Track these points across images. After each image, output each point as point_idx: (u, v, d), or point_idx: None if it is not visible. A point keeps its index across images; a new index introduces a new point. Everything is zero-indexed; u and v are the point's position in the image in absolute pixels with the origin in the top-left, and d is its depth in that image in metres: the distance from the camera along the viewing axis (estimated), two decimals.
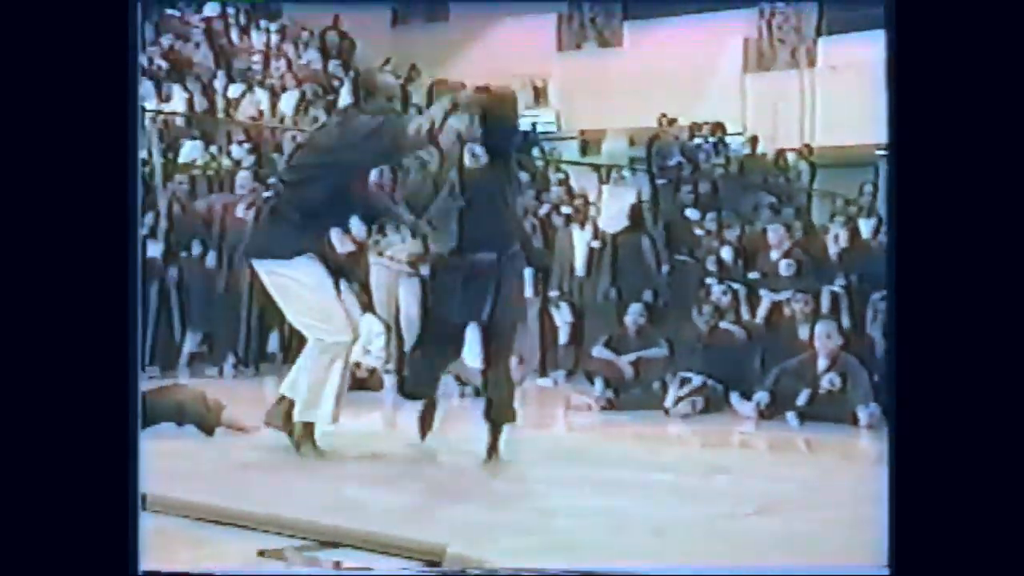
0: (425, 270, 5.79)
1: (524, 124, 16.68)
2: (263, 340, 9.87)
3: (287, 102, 14.24)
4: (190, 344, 9.82)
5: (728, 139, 15.26)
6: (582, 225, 10.82)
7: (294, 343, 9.74)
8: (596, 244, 10.58)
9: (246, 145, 12.35)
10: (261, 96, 14.34)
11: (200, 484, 4.61)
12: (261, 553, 3.85)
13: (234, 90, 14.36)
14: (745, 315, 9.29)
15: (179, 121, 13.09)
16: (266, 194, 5.89)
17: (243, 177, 10.00)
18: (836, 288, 9.17)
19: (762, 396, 7.83)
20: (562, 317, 10.13)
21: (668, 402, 8.01)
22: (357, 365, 8.41)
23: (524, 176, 13.44)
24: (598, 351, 8.79)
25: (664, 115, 15.36)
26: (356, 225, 5.90)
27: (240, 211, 9.51)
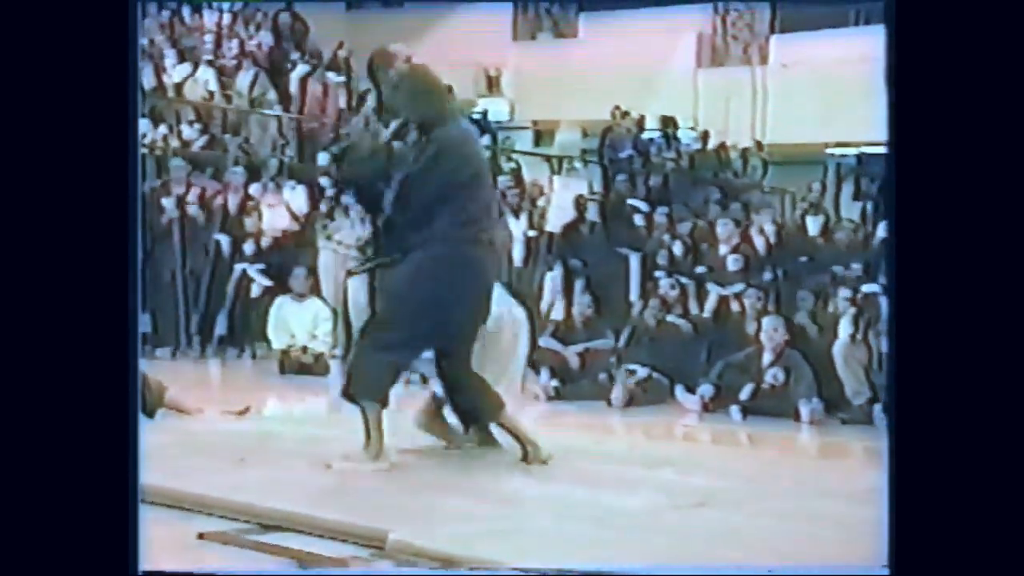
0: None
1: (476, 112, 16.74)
2: (210, 322, 9.81)
3: (240, 83, 14.09)
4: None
5: (680, 133, 15.33)
6: (516, 215, 10.79)
7: (236, 327, 9.78)
8: (532, 233, 10.58)
9: (197, 125, 12.23)
10: (209, 75, 14.18)
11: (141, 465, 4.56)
12: (201, 536, 3.83)
13: (184, 69, 14.19)
14: (693, 309, 9.33)
15: None
16: None
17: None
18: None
19: (706, 389, 7.88)
20: None
21: (613, 393, 8.04)
22: (304, 350, 8.49)
23: None
24: (545, 341, 8.79)
25: (618, 107, 15.38)
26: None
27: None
